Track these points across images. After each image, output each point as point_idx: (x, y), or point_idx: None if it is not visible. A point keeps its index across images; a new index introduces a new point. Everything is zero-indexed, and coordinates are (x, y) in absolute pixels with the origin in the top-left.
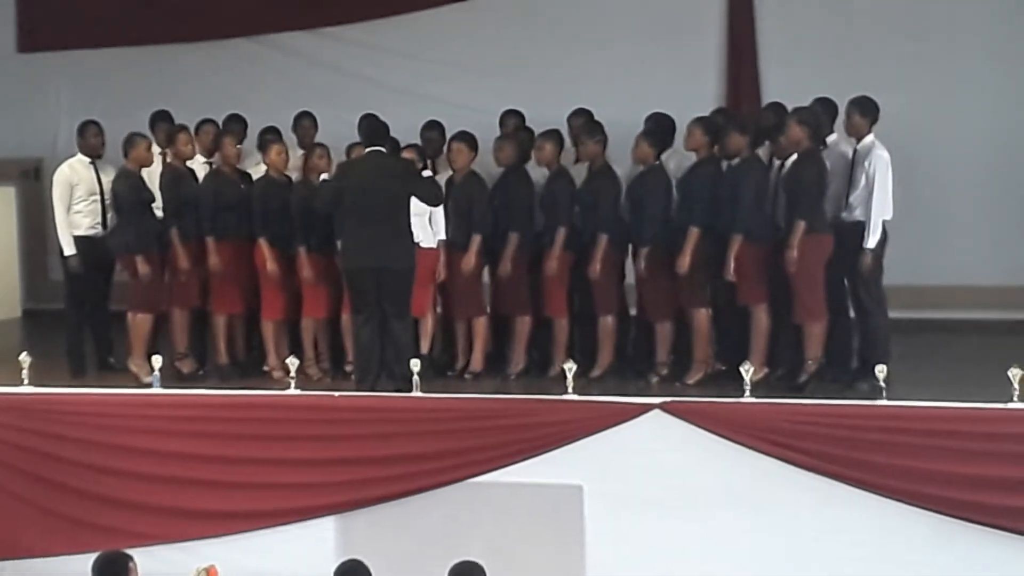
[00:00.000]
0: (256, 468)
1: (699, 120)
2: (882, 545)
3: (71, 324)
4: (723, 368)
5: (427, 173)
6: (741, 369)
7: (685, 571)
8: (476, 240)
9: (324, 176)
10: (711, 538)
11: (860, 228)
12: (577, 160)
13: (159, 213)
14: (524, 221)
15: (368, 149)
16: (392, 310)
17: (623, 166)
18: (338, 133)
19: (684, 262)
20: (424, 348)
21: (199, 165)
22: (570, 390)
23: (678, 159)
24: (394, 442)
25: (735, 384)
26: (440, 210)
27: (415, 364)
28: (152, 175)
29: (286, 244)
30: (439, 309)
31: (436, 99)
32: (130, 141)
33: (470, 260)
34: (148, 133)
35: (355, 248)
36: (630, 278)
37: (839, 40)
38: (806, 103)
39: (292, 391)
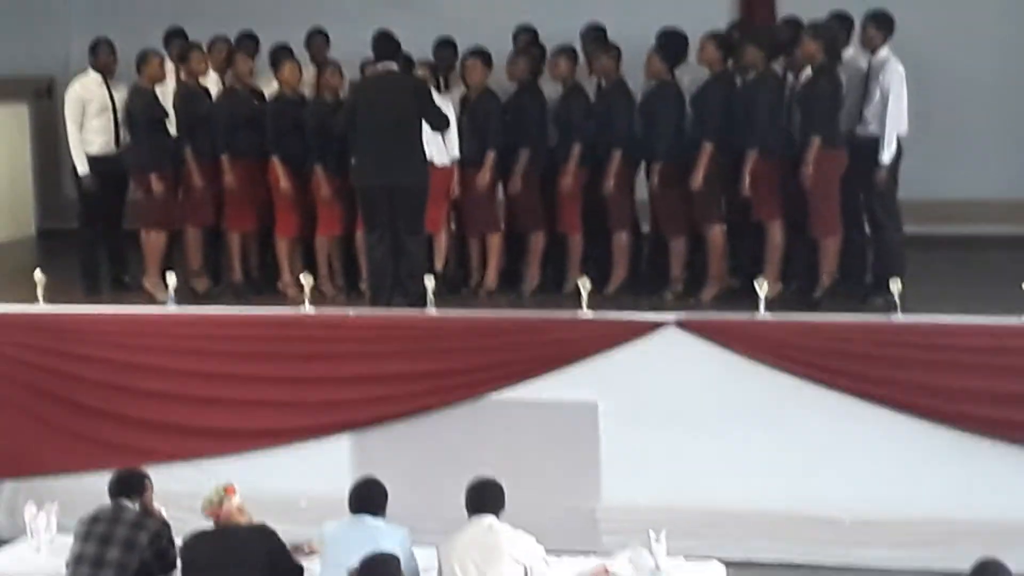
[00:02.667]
0: (271, 386)
1: (712, 35)
2: (897, 460)
3: (85, 242)
4: (737, 284)
5: (437, 97)
6: (755, 284)
7: (699, 487)
8: (490, 156)
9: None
10: (725, 454)
11: (875, 142)
12: (591, 76)
13: (172, 131)
14: (537, 137)
15: (381, 66)
16: (405, 227)
17: (636, 82)
18: (351, 50)
19: (697, 178)
20: (438, 265)
21: (212, 82)
22: (584, 307)
23: (692, 74)
24: (408, 359)
25: (750, 300)
26: (454, 126)
27: (429, 281)
28: (165, 92)
29: (300, 162)
30: (453, 226)
31: (448, 15)
32: (143, 58)
33: (484, 176)
34: (161, 50)
35: (368, 166)
36: (643, 194)
37: None
38: (821, 17)
39: (306, 309)
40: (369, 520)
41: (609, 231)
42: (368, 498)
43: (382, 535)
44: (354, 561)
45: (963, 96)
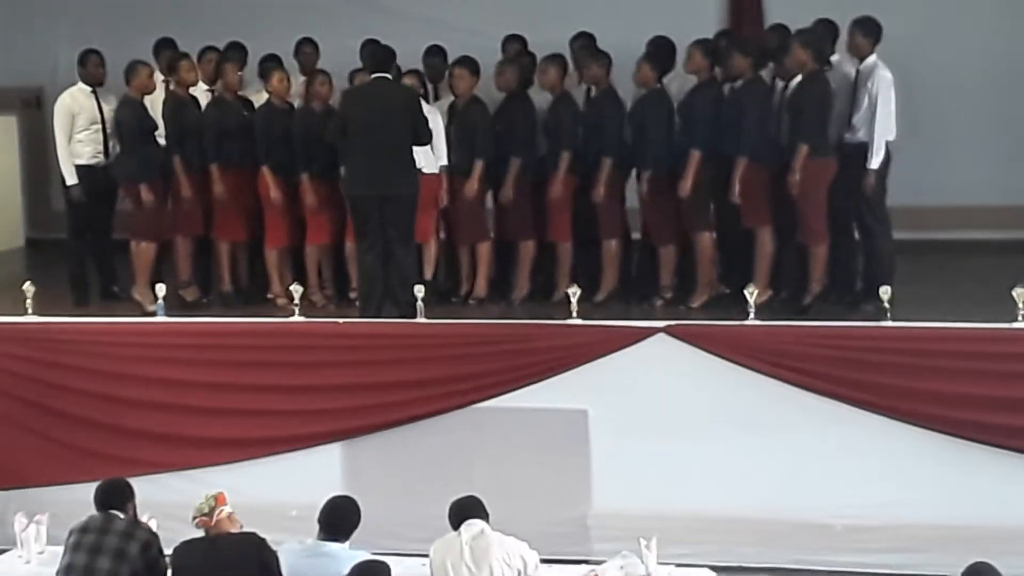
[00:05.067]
0: (261, 395)
1: (699, 42)
2: (887, 466)
3: (74, 253)
4: (727, 291)
5: (426, 107)
6: (745, 292)
7: (690, 494)
8: (479, 165)
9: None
10: (716, 460)
11: (863, 149)
12: (580, 84)
13: (162, 141)
14: (526, 146)
15: (373, 76)
16: (396, 236)
17: (624, 90)
18: (340, 59)
19: (686, 185)
20: (428, 274)
21: (201, 93)
22: (574, 314)
23: (680, 82)
24: (399, 368)
25: (739, 307)
26: (442, 136)
27: (419, 290)
28: (155, 103)
29: (289, 171)
30: (443, 235)
31: (438, 24)
32: (132, 69)
33: (473, 185)
34: (151, 60)
35: (358, 175)
36: (633, 202)
37: None
38: (808, 25)
39: (296, 318)
40: (329, 548)
41: (599, 239)
42: (334, 524)
43: (340, 564)
44: None
45: (951, 102)
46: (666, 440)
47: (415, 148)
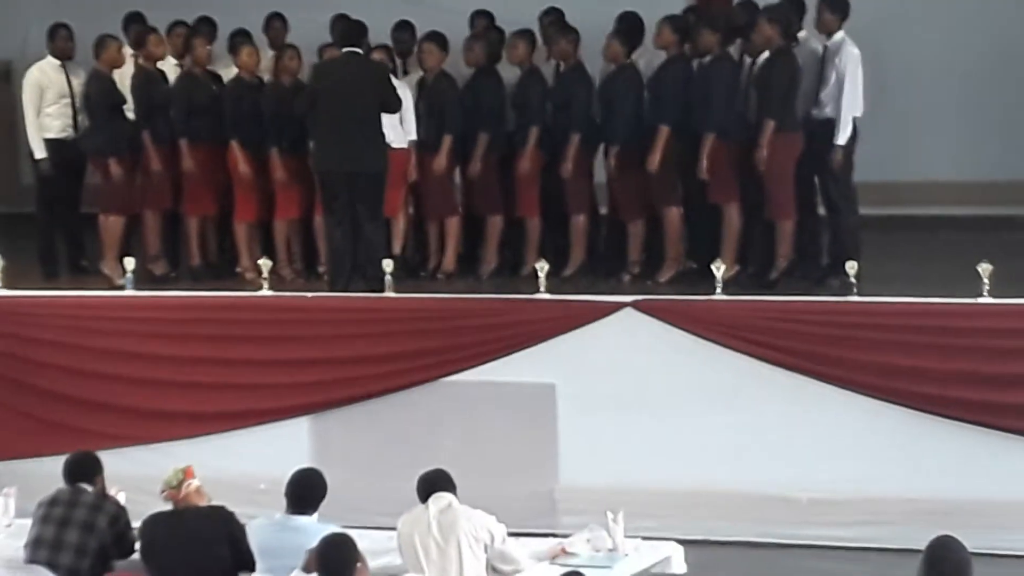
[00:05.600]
0: (229, 369)
1: (668, 18)
2: (853, 440)
3: (43, 227)
4: (695, 266)
5: (395, 81)
6: (712, 267)
7: (657, 467)
8: (447, 140)
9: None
10: (683, 435)
11: (830, 125)
12: (549, 59)
13: (130, 115)
14: (495, 121)
15: (344, 50)
16: (364, 211)
17: (593, 66)
18: (308, 34)
19: (654, 160)
20: (396, 248)
21: (171, 67)
22: (542, 289)
23: (648, 58)
24: (367, 342)
25: (707, 282)
26: (411, 110)
27: (387, 264)
28: (124, 77)
29: (258, 146)
30: (411, 209)
31: None
32: (101, 43)
33: (441, 161)
34: (120, 35)
35: (327, 150)
36: (601, 177)
37: None
38: (777, 1)
39: (265, 292)
40: (297, 522)
41: (567, 214)
42: (301, 497)
43: (309, 537)
44: (281, 566)
45: (917, 79)
46: (633, 414)
47: (385, 122)
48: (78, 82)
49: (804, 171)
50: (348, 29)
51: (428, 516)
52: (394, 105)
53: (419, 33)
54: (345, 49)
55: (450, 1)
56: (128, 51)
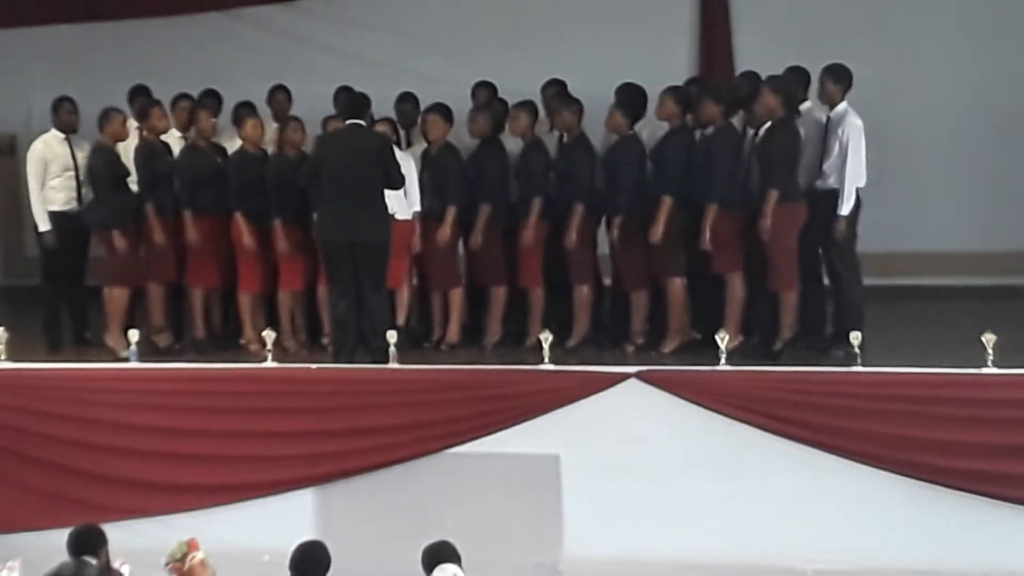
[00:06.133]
0: (233, 441)
1: (670, 89)
2: (857, 511)
3: (47, 299)
4: (698, 336)
5: (398, 153)
6: (716, 337)
7: (663, 539)
8: (451, 212)
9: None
10: (688, 506)
11: (834, 195)
12: (551, 130)
13: (134, 188)
14: (498, 192)
15: (347, 122)
16: (368, 282)
17: (595, 137)
18: (312, 106)
19: (657, 231)
20: (400, 320)
21: (174, 140)
22: (546, 360)
23: (651, 129)
24: (371, 414)
25: (711, 352)
26: (415, 182)
27: (391, 336)
28: (128, 150)
29: (262, 217)
30: (415, 281)
31: (409, 71)
32: (105, 116)
33: (445, 232)
34: (125, 107)
35: (331, 221)
36: (604, 248)
37: (811, 8)
38: (779, 72)
39: (269, 364)
40: None
41: (571, 285)
42: (305, 569)
43: None
44: None
45: (920, 149)
46: (638, 485)
47: (389, 193)
48: (82, 155)
49: (808, 241)
50: (351, 101)
51: None
52: (397, 182)
53: (423, 105)
54: (348, 121)
55: (452, 73)
56: (133, 124)
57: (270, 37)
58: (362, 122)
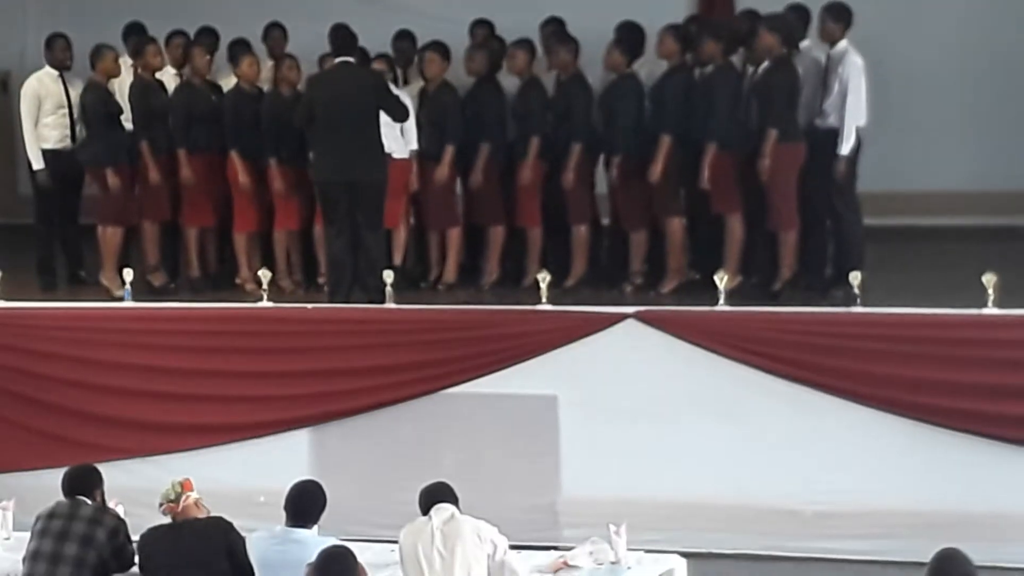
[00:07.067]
0: (229, 381)
1: (670, 28)
2: (857, 452)
3: (41, 238)
4: (697, 277)
5: (395, 90)
6: (715, 277)
7: (660, 480)
8: (449, 151)
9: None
10: (686, 447)
11: (834, 135)
12: (549, 69)
13: (128, 125)
14: (495, 131)
15: (337, 60)
16: (364, 222)
17: (594, 75)
18: (309, 44)
19: (656, 170)
20: (397, 259)
21: (169, 77)
22: (544, 300)
23: (650, 67)
24: (367, 354)
25: (709, 292)
26: (412, 120)
27: (388, 275)
28: (122, 87)
29: (258, 156)
30: (412, 220)
31: (407, 9)
32: (97, 53)
33: (443, 171)
34: (120, 45)
35: (326, 161)
36: (602, 187)
37: None
38: (779, 10)
39: (264, 303)
40: (297, 535)
41: (568, 225)
42: (300, 509)
43: (309, 550)
44: None
45: (922, 88)
46: (636, 426)
47: (385, 133)
48: (76, 93)
49: (807, 181)
50: (338, 38)
51: (431, 527)
52: (400, 113)
53: (420, 43)
54: (338, 59)
55: (450, 10)
56: (127, 61)
57: None
58: (351, 59)
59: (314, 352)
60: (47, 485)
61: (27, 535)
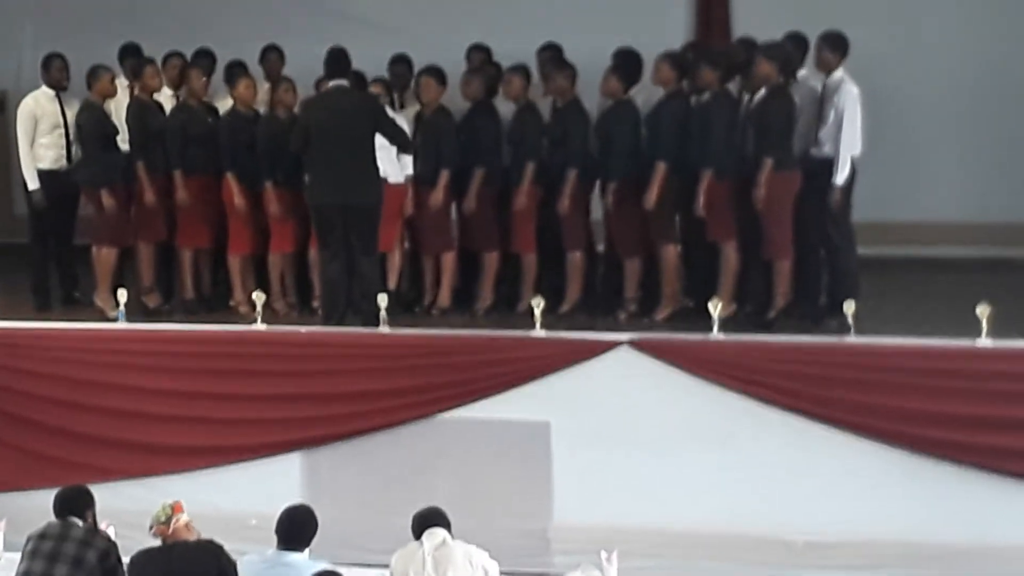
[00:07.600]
0: (221, 403)
1: (667, 55)
2: (849, 482)
3: (36, 258)
4: (692, 304)
5: (392, 113)
6: (709, 305)
7: (652, 507)
8: (444, 175)
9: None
10: (678, 475)
11: (829, 164)
12: (545, 94)
13: (124, 146)
14: (491, 156)
15: (332, 83)
16: (359, 246)
17: (590, 101)
18: (305, 67)
19: (651, 197)
20: (391, 284)
21: (166, 99)
22: (538, 326)
23: (646, 94)
24: (361, 378)
25: (703, 320)
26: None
27: (382, 300)
28: (119, 108)
29: (253, 179)
30: (407, 244)
31: (404, 33)
32: (94, 73)
33: (438, 195)
34: (116, 66)
35: (321, 184)
36: (598, 214)
37: None
38: (776, 38)
39: (258, 326)
40: (289, 558)
41: (563, 251)
42: (291, 533)
43: (300, 574)
44: None
45: (917, 118)
46: (628, 453)
47: (380, 157)
48: (72, 113)
49: (803, 210)
50: (331, 60)
51: (423, 552)
52: (401, 139)
53: (416, 67)
54: (332, 83)
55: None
56: (123, 82)
57: None
58: (345, 82)
59: (307, 375)
60: (38, 505)
61: (18, 555)
